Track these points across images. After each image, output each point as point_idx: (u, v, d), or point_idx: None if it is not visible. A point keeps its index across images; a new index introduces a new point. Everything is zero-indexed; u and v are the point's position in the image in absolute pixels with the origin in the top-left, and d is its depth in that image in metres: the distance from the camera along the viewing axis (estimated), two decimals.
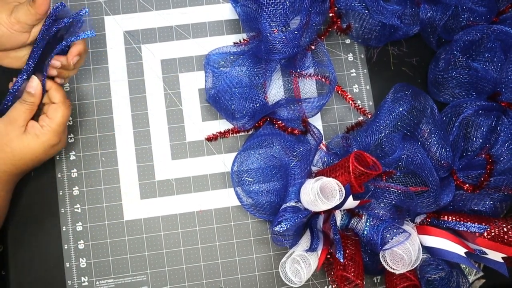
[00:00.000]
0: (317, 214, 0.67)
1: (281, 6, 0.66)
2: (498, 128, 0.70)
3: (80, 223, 0.68)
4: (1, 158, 0.60)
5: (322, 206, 0.62)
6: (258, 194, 0.68)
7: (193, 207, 0.70)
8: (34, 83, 0.61)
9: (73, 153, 0.69)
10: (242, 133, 0.72)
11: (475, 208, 0.68)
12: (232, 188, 0.71)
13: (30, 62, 0.61)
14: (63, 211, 0.68)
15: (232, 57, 0.72)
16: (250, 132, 0.72)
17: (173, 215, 0.70)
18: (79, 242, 0.68)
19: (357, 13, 0.72)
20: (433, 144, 0.67)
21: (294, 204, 0.65)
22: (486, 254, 0.64)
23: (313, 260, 0.64)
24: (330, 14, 0.73)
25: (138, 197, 0.69)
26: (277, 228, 0.62)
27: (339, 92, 0.74)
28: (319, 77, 0.72)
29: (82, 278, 0.67)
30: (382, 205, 0.65)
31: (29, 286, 0.66)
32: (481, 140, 0.70)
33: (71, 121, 0.70)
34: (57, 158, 0.69)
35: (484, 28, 0.70)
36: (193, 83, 0.73)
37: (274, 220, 0.64)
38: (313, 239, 0.65)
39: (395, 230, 0.64)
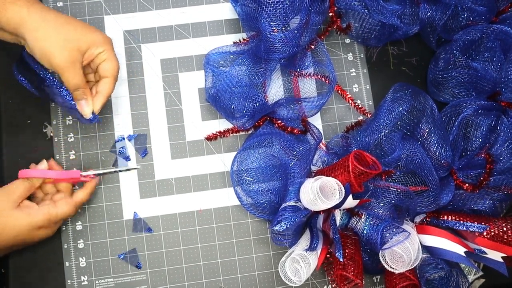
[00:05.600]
0: (316, 213, 0.67)
1: (281, 6, 0.66)
2: (498, 128, 0.70)
3: (79, 222, 0.68)
4: None
5: (321, 205, 0.62)
6: (257, 194, 0.68)
7: (192, 207, 0.70)
8: (42, 166, 0.63)
9: (73, 152, 0.69)
10: (241, 133, 0.72)
11: (475, 208, 0.68)
12: (231, 187, 0.71)
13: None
14: None
15: (232, 56, 0.72)
16: (249, 132, 0.72)
17: (173, 214, 0.70)
18: (78, 241, 0.68)
19: (356, 12, 0.72)
20: (432, 143, 0.67)
21: (293, 204, 0.65)
22: (485, 253, 0.64)
23: (313, 260, 0.64)
24: (330, 14, 0.73)
25: (137, 196, 0.69)
26: (276, 228, 0.62)
27: (339, 91, 0.74)
28: (319, 76, 0.72)
29: (82, 277, 0.67)
30: (382, 204, 0.65)
31: (29, 285, 0.66)
32: (480, 140, 0.70)
33: (70, 120, 0.70)
34: (57, 157, 0.69)
35: (484, 28, 0.70)
36: (193, 83, 0.73)
37: (274, 220, 0.64)
38: (313, 238, 0.65)
39: (394, 230, 0.64)
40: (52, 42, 0.59)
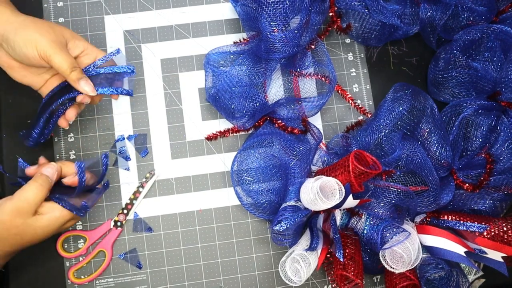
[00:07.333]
0: (317, 213, 0.67)
1: (281, 6, 0.66)
2: (498, 128, 0.70)
3: (80, 223, 0.68)
4: (8, 244, 0.57)
5: (322, 205, 0.62)
6: (258, 194, 0.68)
7: (192, 207, 0.70)
8: (53, 169, 0.60)
9: (73, 152, 0.69)
10: (242, 133, 0.72)
11: (475, 208, 0.68)
12: (232, 187, 0.71)
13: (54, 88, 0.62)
14: None
15: (232, 56, 0.72)
16: (250, 132, 0.72)
17: (173, 214, 0.70)
18: (79, 241, 0.68)
19: (357, 12, 0.72)
20: (433, 143, 0.67)
21: (294, 203, 0.65)
22: (485, 253, 0.64)
23: (313, 259, 0.64)
24: (330, 14, 0.73)
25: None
26: (277, 227, 0.62)
27: (339, 91, 0.74)
28: (319, 76, 0.72)
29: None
30: (382, 204, 0.65)
31: (29, 286, 0.66)
32: (481, 140, 0.70)
33: (70, 120, 0.70)
34: (57, 157, 0.69)
35: (484, 28, 0.70)
36: (193, 83, 0.73)
37: (274, 220, 0.64)
38: (313, 238, 0.65)
39: (394, 230, 0.64)
40: (36, 28, 0.58)
